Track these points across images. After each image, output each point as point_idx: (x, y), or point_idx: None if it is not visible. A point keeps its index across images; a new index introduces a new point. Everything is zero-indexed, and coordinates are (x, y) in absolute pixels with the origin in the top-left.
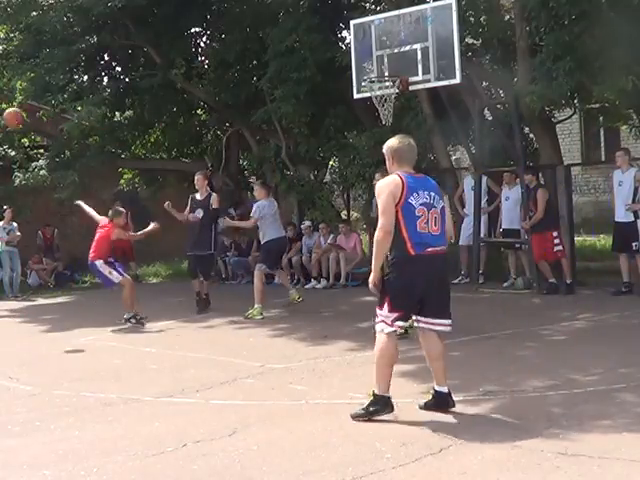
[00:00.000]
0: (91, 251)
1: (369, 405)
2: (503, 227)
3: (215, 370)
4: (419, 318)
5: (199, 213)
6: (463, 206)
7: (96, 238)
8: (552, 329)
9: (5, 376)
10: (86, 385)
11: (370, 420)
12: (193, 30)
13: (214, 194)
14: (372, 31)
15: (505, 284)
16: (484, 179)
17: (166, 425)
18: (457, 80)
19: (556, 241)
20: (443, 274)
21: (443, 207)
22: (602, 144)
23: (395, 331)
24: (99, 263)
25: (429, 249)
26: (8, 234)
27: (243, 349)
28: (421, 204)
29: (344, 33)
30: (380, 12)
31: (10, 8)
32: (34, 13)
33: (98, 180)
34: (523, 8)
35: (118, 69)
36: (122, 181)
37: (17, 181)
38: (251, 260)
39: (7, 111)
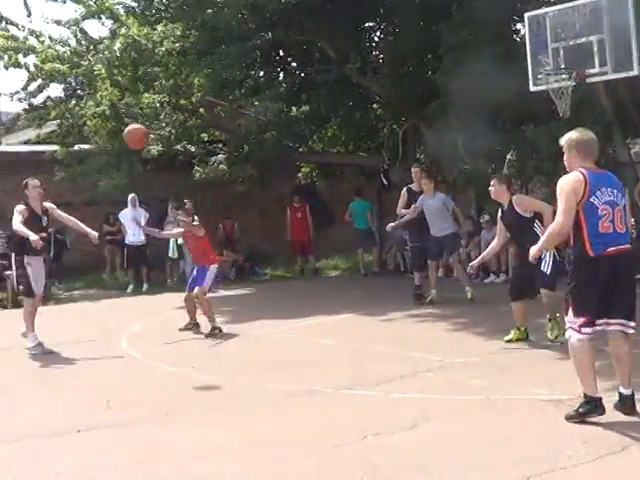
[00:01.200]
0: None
1: (580, 406)
2: None
3: (395, 363)
4: (603, 319)
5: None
6: None
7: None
8: None
9: (189, 366)
10: (267, 376)
11: (582, 422)
12: (367, 25)
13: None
14: (547, 23)
15: None
16: None
17: (346, 417)
18: (635, 72)
19: None
20: (627, 273)
21: (625, 205)
22: None
23: (584, 338)
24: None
25: (611, 248)
26: None
27: (423, 343)
28: (605, 202)
29: (518, 25)
30: (555, 4)
31: (186, 6)
32: (209, 10)
33: (275, 174)
34: None
35: (293, 64)
36: (300, 175)
37: (197, 175)
38: None
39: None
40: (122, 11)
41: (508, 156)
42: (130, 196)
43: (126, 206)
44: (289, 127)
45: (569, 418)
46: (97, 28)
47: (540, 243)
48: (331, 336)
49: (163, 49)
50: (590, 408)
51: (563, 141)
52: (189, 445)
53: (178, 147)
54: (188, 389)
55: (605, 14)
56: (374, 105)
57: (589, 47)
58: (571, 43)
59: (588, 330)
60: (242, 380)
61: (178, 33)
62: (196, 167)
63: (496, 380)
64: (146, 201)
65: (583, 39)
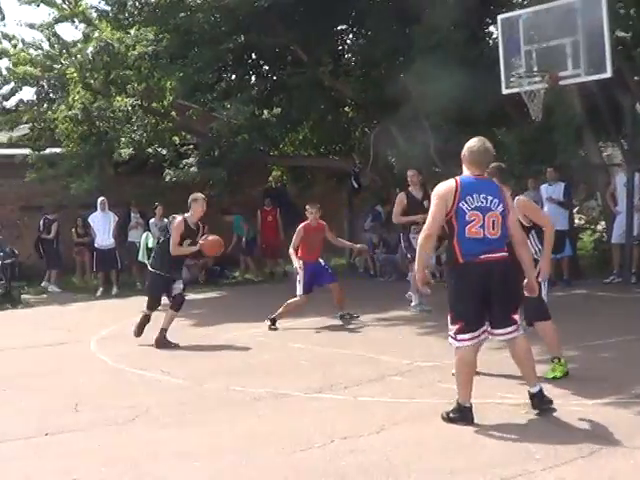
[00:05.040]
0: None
1: (451, 411)
2: None
3: (364, 367)
4: (486, 328)
5: None
6: (615, 203)
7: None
8: None
9: (157, 369)
10: (236, 379)
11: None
12: (339, 28)
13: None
14: (520, 26)
15: None
16: (637, 176)
17: (314, 421)
18: (608, 74)
19: None
20: (502, 280)
21: (504, 211)
22: None
23: (465, 346)
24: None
25: (482, 256)
26: (160, 230)
27: (392, 346)
28: (474, 208)
29: (491, 28)
30: (528, 6)
31: (159, 9)
32: (182, 14)
33: (246, 177)
34: None
35: (265, 67)
36: (270, 178)
37: (167, 178)
38: (399, 257)
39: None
40: (95, 15)
41: None
42: (100, 199)
43: (96, 209)
44: (260, 130)
45: (442, 418)
46: (70, 32)
47: (416, 260)
48: (301, 339)
49: (136, 53)
50: (458, 416)
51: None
52: (156, 449)
53: (149, 150)
54: (156, 392)
55: (579, 16)
56: (346, 108)
57: (562, 49)
58: (544, 45)
59: (465, 337)
60: (210, 383)
61: (151, 37)
62: (167, 170)
63: None
64: (114, 205)
65: (556, 41)
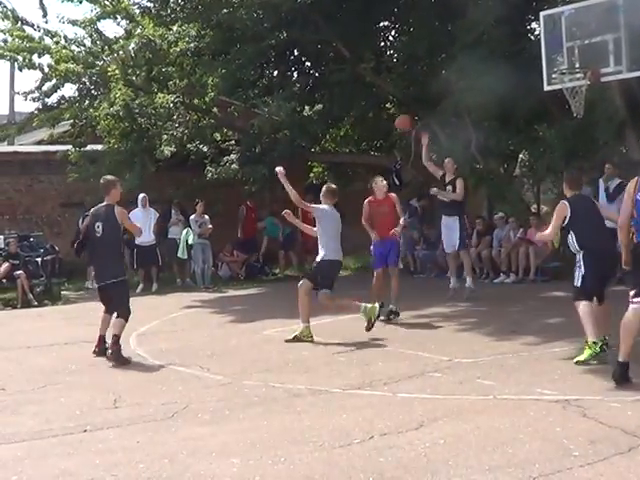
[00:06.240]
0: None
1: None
2: None
3: (403, 363)
4: None
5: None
6: None
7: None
8: None
9: (196, 365)
10: (274, 376)
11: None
12: (382, 24)
13: (459, 178)
14: (562, 22)
15: None
16: None
17: (353, 417)
18: None
19: None
20: None
21: None
22: None
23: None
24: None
25: None
26: (200, 227)
27: (431, 343)
28: None
29: (533, 24)
30: (570, 2)
31: (201, 6)
32: (224, 10)
33: (287, 174)
34: None
35: (307, 64)
36: (311, 175)
37: (209, 175)
38: (439, 254)
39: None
40: (137, 11)
41: (521, 155)
42: (140, 196)
43: (136, 206)
44: (302, 127)
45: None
46: (112, 28)
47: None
48: (340, 336)
49: (178, 49)
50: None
51: None
52: (194, 445)
53: (190, 147)
54: (195, 389)
55: (621, 12)
56: (387, 105)
57: (604, 46)
58: (586, 42)
59: (636, 300)
60: (249, 380)
61: (193, 33)
62: (208, 167)
63: (503, 380)
64: (155, 201)
65: (598, 38)
